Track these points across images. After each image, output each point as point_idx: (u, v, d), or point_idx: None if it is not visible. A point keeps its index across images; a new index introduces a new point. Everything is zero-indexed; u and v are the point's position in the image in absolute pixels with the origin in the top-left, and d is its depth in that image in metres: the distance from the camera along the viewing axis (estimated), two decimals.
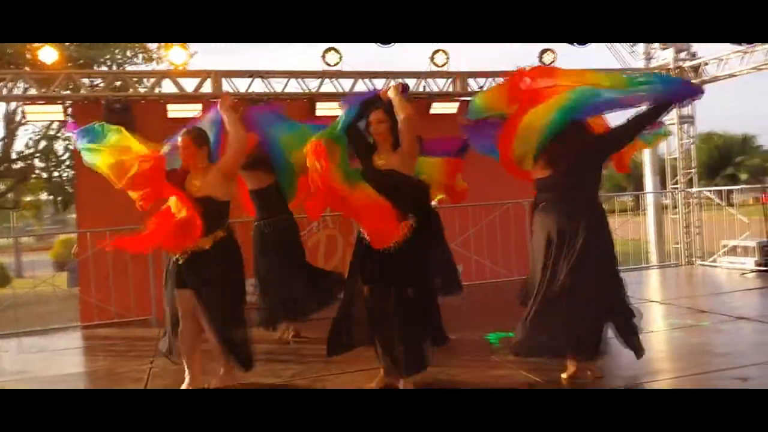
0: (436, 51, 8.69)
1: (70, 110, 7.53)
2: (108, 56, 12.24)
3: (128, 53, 12.47)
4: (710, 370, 3.97)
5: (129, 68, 12.77)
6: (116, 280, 7.21)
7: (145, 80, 8.30)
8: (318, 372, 4.47)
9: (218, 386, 4.10)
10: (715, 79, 9.37)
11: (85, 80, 8.07)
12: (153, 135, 7.58)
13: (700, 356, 4.47)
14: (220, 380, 4.17)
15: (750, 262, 8.42)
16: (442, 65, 8.75)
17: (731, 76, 9.17)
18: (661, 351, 4.68)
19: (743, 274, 8.19)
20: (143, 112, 7.57)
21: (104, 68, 12.45)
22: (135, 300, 7.20)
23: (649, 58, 11.07)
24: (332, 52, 8.19)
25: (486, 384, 3.98)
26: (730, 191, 14.07)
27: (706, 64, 9.53)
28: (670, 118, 9.47)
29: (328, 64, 8.24)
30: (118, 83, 8.64)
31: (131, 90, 8.17)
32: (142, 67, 12.97)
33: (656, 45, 10.52)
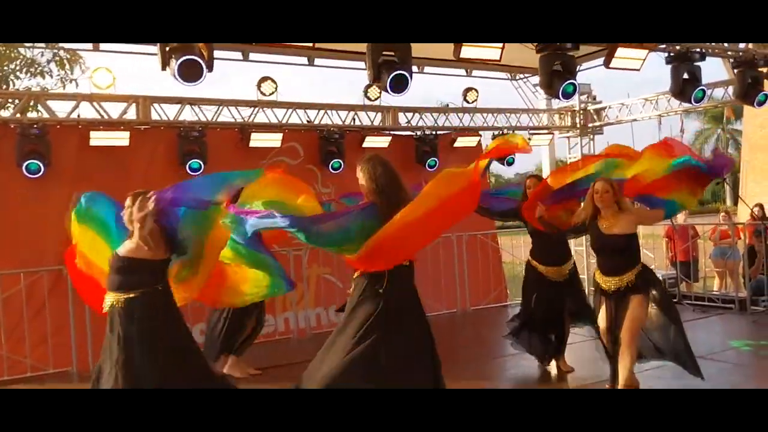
0: (369, 85, 8.64)
1: None
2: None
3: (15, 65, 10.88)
4: None
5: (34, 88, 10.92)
6: (31, 327, 6.38)
7: (60, 103, 7.42)
8: None
9: None
10: (619, 122, 10.13)
11: None
12: (72, 163, 6.97)
13: None
14: None
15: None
16: (375, 99, 8.74)
17: (634, 120, 9.97)
18: None
19: None
20: (61, 138, 6.83)
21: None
22: (53, 349, 6.41)
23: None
24: (268, 81, 7.89)
25: None
26: None
27: (610, 107, 10.28)
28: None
29: (263, 94, 7.92)
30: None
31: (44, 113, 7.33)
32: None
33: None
